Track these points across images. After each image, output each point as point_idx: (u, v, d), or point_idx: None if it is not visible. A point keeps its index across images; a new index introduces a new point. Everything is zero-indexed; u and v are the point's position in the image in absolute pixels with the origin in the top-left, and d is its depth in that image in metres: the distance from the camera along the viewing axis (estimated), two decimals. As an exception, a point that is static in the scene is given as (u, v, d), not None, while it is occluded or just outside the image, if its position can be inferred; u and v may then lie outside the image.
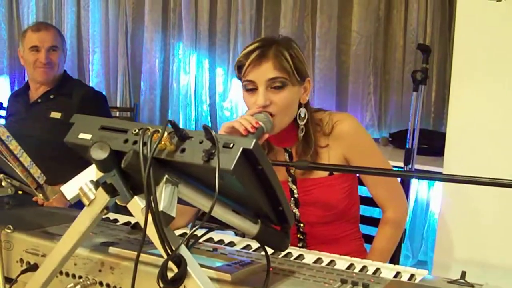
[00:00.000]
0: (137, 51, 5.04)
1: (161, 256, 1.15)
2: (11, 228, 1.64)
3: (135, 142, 1.17)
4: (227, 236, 1.81)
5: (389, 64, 4.27)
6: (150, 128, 1.17)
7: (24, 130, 2.95)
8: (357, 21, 4.22)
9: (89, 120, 1.30)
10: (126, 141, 1.19)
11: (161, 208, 1.11)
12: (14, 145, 1.68)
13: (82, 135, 1.26)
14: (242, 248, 1.69)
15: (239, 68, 1.92)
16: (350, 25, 4.28)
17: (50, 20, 5.51)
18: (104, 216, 1.27)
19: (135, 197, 1.18)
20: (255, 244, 1.71)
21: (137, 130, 1.18)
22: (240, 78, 1.95)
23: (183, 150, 1.13)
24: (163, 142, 1.13)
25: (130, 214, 1.23)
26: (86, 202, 1.22)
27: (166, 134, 1.14)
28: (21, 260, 1.63)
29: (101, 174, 1.20)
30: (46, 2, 5.54)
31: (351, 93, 4.32)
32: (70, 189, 1.25)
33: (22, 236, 1.63)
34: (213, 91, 4.75)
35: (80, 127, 1.29)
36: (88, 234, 1.28)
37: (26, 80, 3.29)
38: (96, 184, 1.21)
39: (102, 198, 1.20)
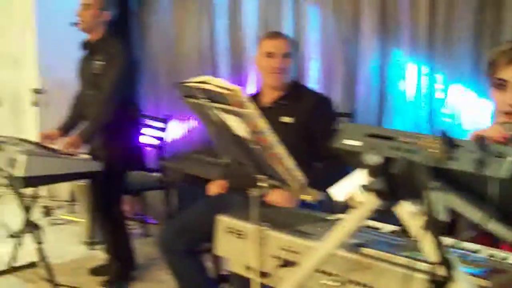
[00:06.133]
0: (354, 58, 5.11)
1: (419, 260, 1.20)
2: (269, 226, 1.79)
3: (405, 150, 1.22)
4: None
5: None
6: (420, 136, 1.22)
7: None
8: None
9: (355, 127, 1.38)
10: (395, 148, 1.25)
11: (433, 214, 1.15)
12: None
13: (349, 141, 1.34)
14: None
15: (491, 64, 1.92)
16: None
17: (269, 29, 5.78)
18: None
19: (404, 202, 1.24)
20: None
21: (407, 138, 1.24)
22: (489, 75, 1.95)
23: (454, 158, 1.17)
24: (433, 150, 1.17)
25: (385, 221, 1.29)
26: (354, 205, 1.30)
27: (436, 142, 1.18)
28: (276, 256, 1.76)
29: (371, 179, 1.27)
30: (266, 12, 5.81)
31: None
32: (338, 191, 1.34)
33: (278, 234, 1.76)
34: (432, 97, 4.70)
35: (346, 134, 1.37)
36: (351, 235, 1.36)
37: (258, 86, 3.49)
38: (366, 188, 1.28)
39: (370, 202, 1.28)
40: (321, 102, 3.26)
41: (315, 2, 5.33)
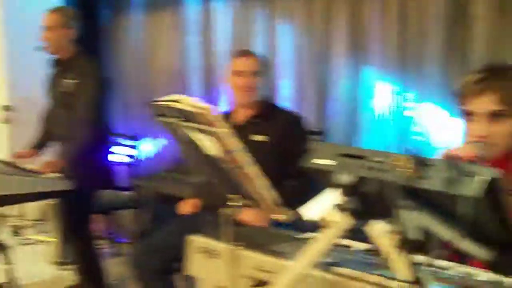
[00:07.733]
0: (325, 76, 5.13)
1: (391, 278, 1.20)
2: (242, 245, 1.77)
3: (377, 169, 1.23)
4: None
5: None
6: (391, 155, 1.22)
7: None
8: None
9: (327, 146, 1.38)
10: (367, 167, 1.26)
11: (405, 233, 1.16)
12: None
13: (321, 161, 1.34)
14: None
15: (458, 95, 1.94)
16: None
17: (241, 47, 5.78)
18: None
19: (376, 221, 1.24)
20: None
21: (378, 157, 1.24)
22: (457, 105, 1.98)
23: (425, 177, 1.17)
24: (405, 169, 1.18)
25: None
26: (327, 224, 1.29)
27: (407, 161, 1.18)
28: (249, 276, 1.75)
29: (343, 198, 1.27)
30: (238, 29, 5.82)
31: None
32: (309, 210, 1.34)
33: (251, 253, 1.75)
34: (402, 116, 4.73)
35: (318, 153, 1.37)
36: (323, 254, 1.36)
37: (230, 104, 3.49)
38: (339, 207, 1.28)
39: (343, 221, 1.28)
40: (293, 120, 3.27)
41: (287, 20, 5.36)
